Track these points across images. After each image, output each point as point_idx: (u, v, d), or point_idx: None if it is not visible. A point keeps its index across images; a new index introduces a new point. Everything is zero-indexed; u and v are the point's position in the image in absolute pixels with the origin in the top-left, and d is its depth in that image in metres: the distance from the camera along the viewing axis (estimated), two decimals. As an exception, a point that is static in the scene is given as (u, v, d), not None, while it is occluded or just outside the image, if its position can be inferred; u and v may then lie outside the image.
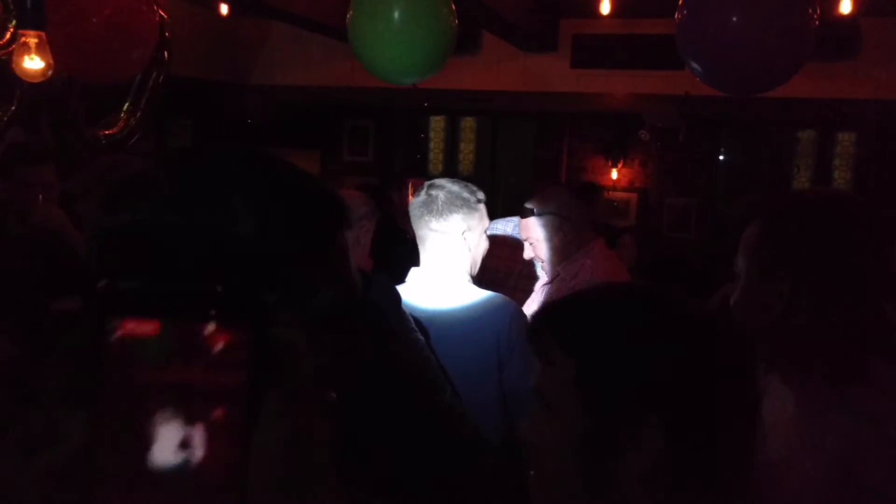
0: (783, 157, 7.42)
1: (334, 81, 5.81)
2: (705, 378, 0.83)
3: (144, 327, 0.65)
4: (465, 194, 2.15)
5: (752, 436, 0.87)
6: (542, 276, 2.74)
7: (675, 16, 2.60)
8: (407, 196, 4.59)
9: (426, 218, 2.12)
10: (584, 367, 0.84)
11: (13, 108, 3.85)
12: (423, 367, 1.85)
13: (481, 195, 2.21)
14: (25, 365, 2.45)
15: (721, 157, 7.63)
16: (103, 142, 4.28)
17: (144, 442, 0.61)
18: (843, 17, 3.76)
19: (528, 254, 2.69)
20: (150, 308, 0.64)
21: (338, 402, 0.81)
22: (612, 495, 0.83)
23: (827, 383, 1.19)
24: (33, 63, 2.95)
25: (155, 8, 3.20)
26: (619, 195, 7.32)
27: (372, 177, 7.38)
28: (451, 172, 7.97)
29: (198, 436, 0.62)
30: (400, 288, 2.07)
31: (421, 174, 7.02)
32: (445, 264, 2.14)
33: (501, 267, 2.93)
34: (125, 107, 4.36)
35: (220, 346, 0.64)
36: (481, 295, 2.11)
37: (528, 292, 2.82)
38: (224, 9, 5.08)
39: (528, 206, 2.65)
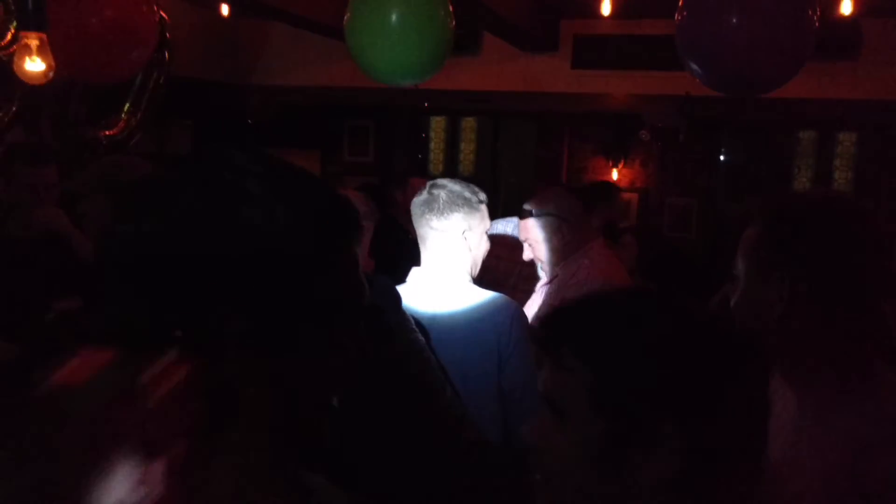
0: (784, 158, 7.42)
1: (334, 82, 5.81)
2: (724, 387, 0.82)
3: (77, 375, 0.66)
4: (467, 194, 2.15)
5: (766, 444, 0.87)
6: (543, 276, 2.74)
7: (675, 17, 2.60)
8: (410, 195, 4.59)
9: (427, 217, 2.12)
10: (600, 375, 0.83)
11: (14, 108, 3.86)
12: (423, 367, 1.85)
13: (483, 196, 2.21)
14: (26, 366, 2.45)
15: (722, 158, 7.63)
16: (104, 142, 4.29)
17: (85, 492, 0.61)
18: (844, 18, 3.75)
19: (527, 255, 2.69)
20: (108, 336, 0.66)
21: (339, 403, 0.81)
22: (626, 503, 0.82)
23: (828, 384, 1.19)
24: (34, 65, 2.96)
25: (155, 8, 3.20)
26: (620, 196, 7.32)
27: (372, 177, 7.38)
28: (451, 173, 7.97)
29: (139, 486, 0.62)
30: (401, 288, 2.08)
31: (422, 174, 7.03)
32: (446, 264, 2.14)
33: (501, 267, 2.93)
34: (126, 107, 4.37)
35: (169, 385, 0.65)
36: (482, 295, 2.11)
37: (528, 292, 2.83)
38: (225, 9, 5.08)
39: (527, 207, 2.65)
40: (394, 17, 2.68)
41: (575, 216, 2.63)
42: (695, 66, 2.59)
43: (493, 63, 5.75)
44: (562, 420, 0.86)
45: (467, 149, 8.38)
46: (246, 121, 6.77)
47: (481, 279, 2.23)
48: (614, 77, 5.48)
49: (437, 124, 8.36)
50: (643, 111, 6.40)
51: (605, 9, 4.05)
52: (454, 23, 2.86)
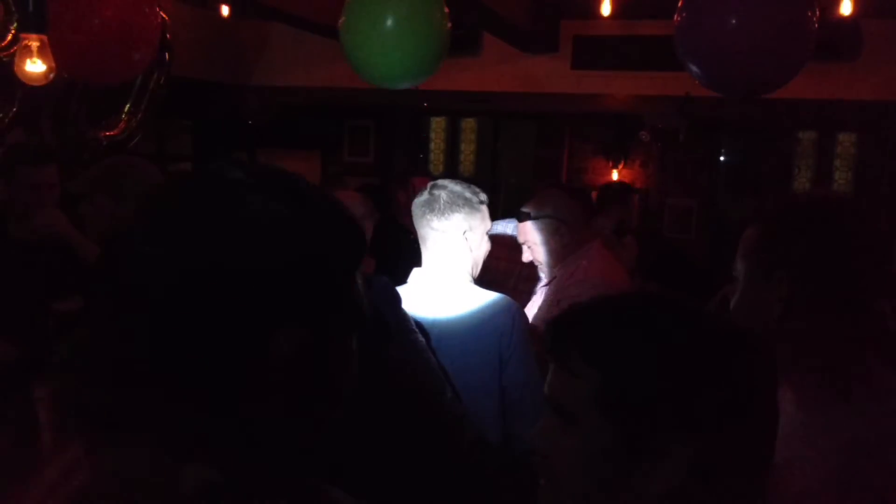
0: (784, 158, 7.42)
1: (335, 82, 5.81)
2: (734, 398, 0.82)
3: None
4: (468, 194, 2.16)
5: (772, 453, 0.86)
6: (543, 277, 2.74)
7: (674, 18, 2.60)
8: (412, 195, 4.59)
9: (428, 217, 2.13)
10: (610, 380, 0.82)
11: (14, 109, 3.86)
12: (423, 367, 1.85)
13: (483, 196, 2.22)
14: (27, 366, 2.46)
15: (722, 158, 7.63)
16: (104, 143, 4.29)
17: None
18: (844, 19, 3.75)
19: (526, 257, 2.69)
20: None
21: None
22: None
23: (827, 385, 1.19)
24: (35, 66, 2.96)
25: (157, 9, 3.19)
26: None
27: (372, 177, 7.38)
28: (451, 173, 7.98)
29: None
30: (402, 288, 2.09)
31: (423, 174, 7.03)
32: (446, 264, 2.14)
33: (501, 267, 2.94)
34: (126, 108, 4.37)
35: None
36: (483, 296, 2.11)
37: (528, 293, 2.83)
38: (225, 10, 5.08)
39: (525, 210, 2.65)
40: (389, 20, 2.67)
41: (573, 218, 2.63)
42: (694, 68, 2.59)
43: (494, 64, 5.75)
44: (568, 424, 0.85)
45: (467, 149, 8.39)
46: (246, 121, 6.77)
47: (482, 279, 2.23)
48: (614, 77, 5.48)
49: (438, 125, 8.37)
50: (643, 112, 6.39)
51: (605, 9, 4.06)
52: (450, 24, 2.85)
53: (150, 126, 4.84)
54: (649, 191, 7.48)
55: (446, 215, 2.12)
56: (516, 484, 1.90)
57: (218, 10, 5.08)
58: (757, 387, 0.84)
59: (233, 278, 0.71)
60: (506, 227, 3.00)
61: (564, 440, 0.85)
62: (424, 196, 2.17)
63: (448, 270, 2.15)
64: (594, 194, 7.06)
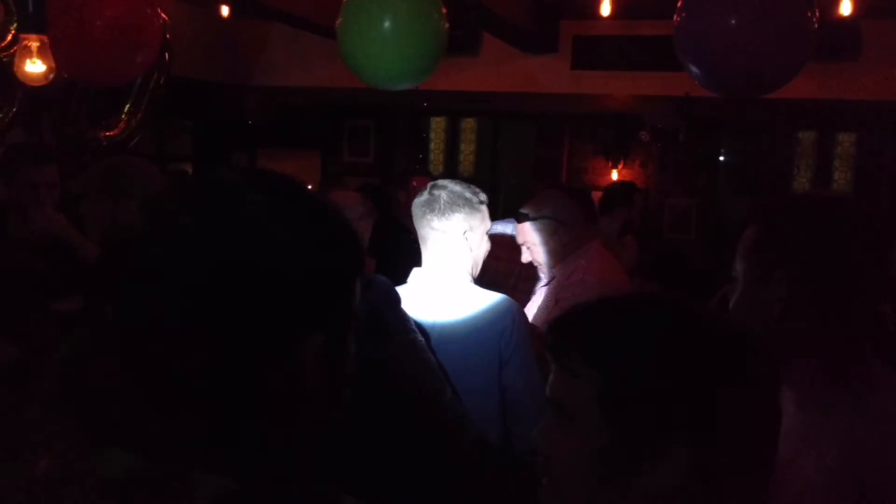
0: (783, 158, 7.42)
1: (334, 82, 5.81)
2: (735, 401, 0.82)
3: None
4: (468, 194, 2.16)
5: (774, 457, 0.86)
6: (543, 277, 2.74)
7: (674, 18, 2.60)
8: (413, 195, 4.59)
9: (428, 217, 2.13)
10: (610, 381, 0.82)
11: (14, 109, 3.86)
12: (423, 367, 1.85)
13: (483, 196, 2.22)
14: (27, 366, 2.46)
15: (721, 158, 7.64)
16: (104, 143, 4.29)
17: None
18: (843, 19, 3.76)
19: (525, 258, 2.70)
20: None
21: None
22: None
23: (827, 384, 1.20)
24: (35, 67, 2.97)
25: (158, 11, 3.19)
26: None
27: (372, 177, 7.38)
28: (451, 173, 7.98)
29: None
30: (402, 288, 2.09)
31: (423, 174, 7.04)
32: (447, 264, 2.14)
33: (501, 268, 2.93)
34: (126, 108, 4.37)
35: None
36: (483, 296, 2.11)
37: (528, 293, 2.83)
38: (225, 10, 5.08)
39: (523, 211, 2.65)
40: (386, 21, 2.65)
41: (571, 218, 2.63)
42: (693, 68, 2.59)
43: (493, 64, 5.75)
44: (568, 424, 0.86)
45: (467, 149, 8.39)
46: (246, 121, 6.77)
47: (481, 279, 2.23)
48: (614, 78, 5.48)
49: (437, 125, 8.37)
50: (643, 112, 6.41)
51: (605, 9, 4.06)
52: (448, 24, 2.85)
53: (150, 126, 4.84)
54: (649, 191, 7.48)
55: (447, 215, 2.12)
56: (516, 484, 1.90)
57: (218, 10, 5.08)
58: (757, 387, 0.84)
59: (268, 285, 0.72)
60: (505, 227, 3.00)
61: (565, 440, 0.86)
62: (424, 196, 2.17)
63: (448, 270, 2.15)
64: (599, 195, 7.10)
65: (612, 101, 5.89)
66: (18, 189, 2.71)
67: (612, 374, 0.82)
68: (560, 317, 0.91)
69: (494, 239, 2.38)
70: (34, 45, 2.94)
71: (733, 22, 2.42)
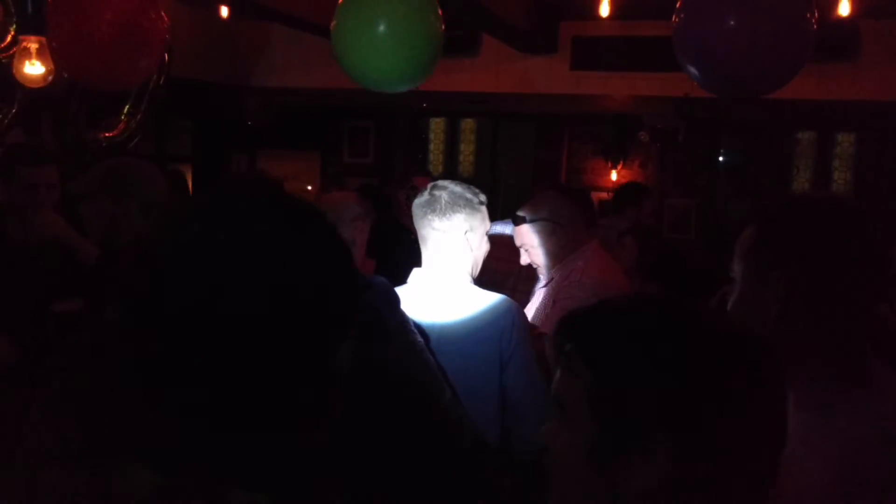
0: (783, 158, 7.43)
1: (334, 83, 5.80)
2: (721, 397, 0.82)
3: None
4: (469, 195, 2.17)
5: (776, 460, 0.86)
6: (542, 278, 2.75)
7: (672, 19, 2.60)
8: (413, 195, 4.59)
9: (429, 217, 2.13)
10: (598, 378, 0.84)
11: (14, 110, 3.86)
12: (422, 368, 1.86)
13: (483, 197, 2.23)
14: (27, 367, 2.46)
15: (721, 158, 7.64)
16: (104, 144, 4.29)
17: None
18: (842, 19, 3.76)
19: (524, 260, 2.70)
20: None
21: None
22: None
23: (826, 384, 1.20)
24: (34, 68, 2.97)
25: (162, 15, 3.20)
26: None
27: (372, 178, 7.38)
28: (451, 174, 7.98)
29: None
30: (402, 289, 2.09)
31: (423, 175, 7.04)
32: (447, 264, 2.15)
33: (501, 268, 2.94)
34: (126, 109, 4.37)
35: None
36: (483, 296, 2.11)
37: (527, 293, 2.83)
38: (224, 11, 5.08)
39: (520, 213, 2.65)
40: (381, 25, 2.63)
41: (569, 219, 2.63)
42: (692, 69, 2.59)
43: (493, 64, 5.75)
44: (566, 422, 0.88)
45: (467, 150, 8.39)
46: (246, 122, 6.77)
47: (481, 280, 2.24)
48: (613, 78, 5.49)
49: (437, 125, 8.37)
50: (642, 112, 6.41)
51: (604, 10, 4.07)
52: (444, 27, 2.83)
53: (150, 127, 4.84)
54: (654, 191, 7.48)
55: (448, 216, 2.13)
56: (516, 484, 1.90)
57: (218, 11, 5.08)
58: (752, 387, 0.84)
59: (302, 303, 0.74)
60: (504, 227, 3.00)
61: (563, 437, 0.88)
62: (425, 196, 2.17)
63: (448, 271, 2.15)
64: (599, 195, 7.08)
65: (611, 102, 5.89)
66: (18, 190, 2.71)
67: (602, 372, 0.84)
68: (563, 318, 0.92)
69: (494, 239, 2.38)
70: (33, 46, 2.94)
71: (732, 23, 2.42)
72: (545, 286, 2.70)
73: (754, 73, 2.50)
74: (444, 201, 2.13)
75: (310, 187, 7.53)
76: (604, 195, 7.29)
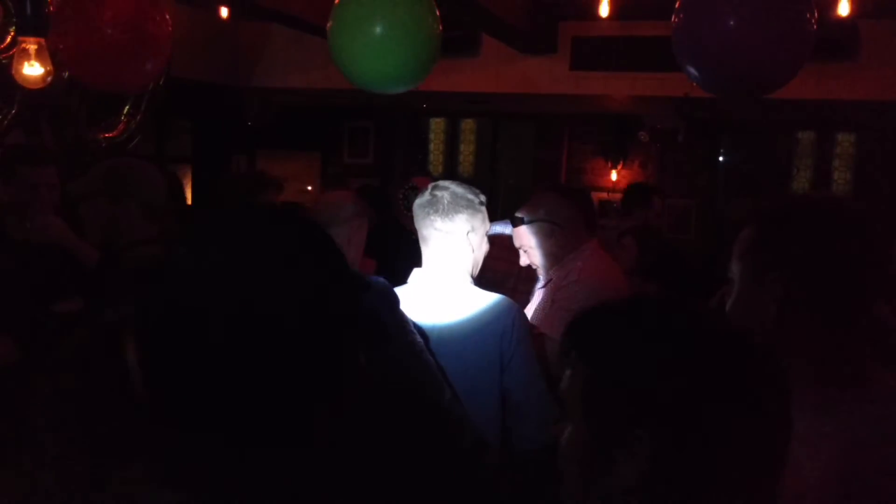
0: (783, 158, 7.42)
1: (334, 83, 5.80)
2: (712, 397, 0.82)
3: None
4: (470, 196, 2.17)
5: (778, 459, 0.86)
6: (541, 278, 2.74)
7: (672, 19, 2.60)
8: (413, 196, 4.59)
9: (432, 218, 2.13)
10: (590, 376, 0.87)
11: (14, 110, 3.86)
12: (422, 369, 1.86)
13: (483, 198, 2.23)
14: (27, 367, 2.46)
15: (721, 158, 7.63)
16: (104, 144, 4.29)
17: None
18: (842, 19, 3.76)
19: (523, 261, 2.69)
20: None
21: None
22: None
23: (825, 385, 1.20)
24: (33, 69, 2.97)
25: (167, 18, 3.21)
26: (619, 197, 7.34)
27: (372, 178, 7.38)
28: (451, 174, 7.98)
29: None
30: (402, 289, 2.09)
31: (423, 175, 7.04)
32: (448, 265, 2.15)
33: (501, 268, 2.94)
34: (125, 110, 4.37)
35: None
36: (484, 297, 2.12)
37: (527, 293, 2.83)
38: (224, 12, 5.09)
39: (518, 215, 2.65)
40: (378, 26, 2.61)
41: (567, 219, 2.63)
42: (691, 69, 2.59)
43: (492, 65, 5.75)
44: (567, 420, 0.90)
45: (467, 150, 8.39)
46: (246, 123, 6.77)
47: (481, 280, 2.24)
48: (613, 78, 5.49)
49: (437, 126, 8.37)
50: (642, 112, 6.41)
51: (604, 10, 4.07)
52: (441, 27, 2.83)
53: (150, 127, 4.84)
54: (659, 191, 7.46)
55: (450, 216, 2.13)
56: (516, 484, 1.90)
57: (217, 12, 5.08)
58: (745, 388, 0.84)
59: (318, 321, 0.77)
60: (504, 228, 3.00)
61: (565, 435, 0.90)
62: (426, 197, 2.17)
63: (449, 271, 2.15)
64: (599, 195, 7.07)
65: (611, 102, 5.89)
66: (19, 190, 2.71)
67: (593, 369, 0.87)
68: (571, 318, 0.95)
69: (493, 240, 2.38)
70: (32, 47, 2.94)
71: (731, 23, 2.42)
72: (544, 286, 2.70)
73: (754, 73, 2.50)
74: (446, 202, 2.13)
75: (310, 187, 7.53)
76: (604, 195, 7.30)
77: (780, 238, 1.23)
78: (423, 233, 2.18)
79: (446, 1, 2.89)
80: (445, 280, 2.14)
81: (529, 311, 2.65)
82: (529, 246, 2.64)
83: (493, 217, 2.37)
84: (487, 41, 5.60)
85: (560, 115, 7.32)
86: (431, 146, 8.43)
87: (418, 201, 2.19)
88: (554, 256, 2.62)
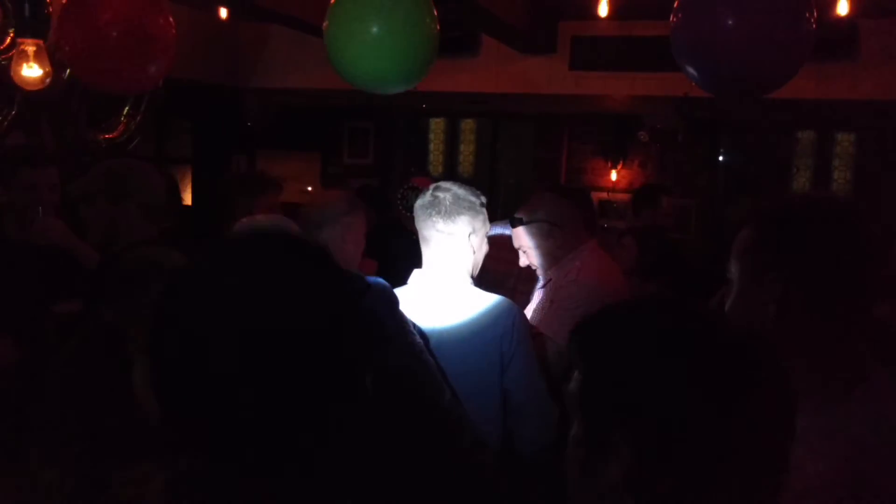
0: (783, 158, 7.42)
1: (334, 84, 5.79)
2: (691, 399, 0.82)
3: None
4: (472, 197, 2.17)
5: (779, 459, 0.86)
6: (541, 279, 2.74)
7: (670, 18, 2.59)
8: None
9: (434, 219, 2.13)
10: (585, 376, 0.89)
11: (14, 111, 3.86)
12: (421, 369, 1.86)
13: (484, 199, 2.23)
14: (27, 367, 2.46)
15: (720, 158, 7.62)
16: (104, 145, 4.29)
17: None
18: (841, 19, 3.76)
19: (523, 261, 2.69)
20: None
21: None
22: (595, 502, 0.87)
23: (824, 384, 1.20)
24: (31, 71, 2.97)
25: (171, 20, 3.21)
26: (619, 196, 7.33)
27: (372, 178, 7.38)
28: (451, 174, 7.98)
29: None
30: (402, 289, 2.09)
31: (423, 175, 7.03)
32: (449, 266, 2.15)
33: (501, 268, 2.94)
34: (125, 111, 4.37)
35: None
36: (483, 297, 2.12)
37: (527, 293, 2.83)
38: (223, 12, 5.08)
39: (517, 216, 2.65)
40: (374, 26, 2.60)
41: (566, 219, 2.63)
42: (690, 69, 2.58)
43: (492, 65, 5.75)
44: (572, 419, 0.93)
45: (467, 150, 8.39)
46: (245, 123, 6.77)
47: (481, 280, 2.24)
48: (613, 78, 5.49)
49: (437, 126, 8.37)
50: (642, 112, 6.39)
51: (603, 10, 4.07)
52: (439, 26, 2.82)
53: (150, 128, 4.84)
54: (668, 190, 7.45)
55: (452, 218, 2.13)
56: (516, 484, 1.90)
57: (217, 12, 5.08)
58: (743, 388, 0.84)
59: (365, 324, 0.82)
60: (504, 229, 3.00)
61: (571, 434, 0.92)
62: (428, 198, 2.17)
63: (449, 272, 2.15)
64: (599, 195, 7.04)
65: (610, 102, 5.89)
66: (19, 191, 2.71)
67: (587, 370, 0.89)
68: (579, 321, 0.96)
69: (493, 240, 2.38)
70: (31, 49, 2.94)
71: (730, 22, 2.41)
72: (543, 287, 2.70)
73: (753, 73, 2.50)
74: (448, 203, 2.14)
75: (310, 188, 7.52)
76: (604, 195, 7.29)
77: (779, 238, 1.23)
78: (424, 234, 2.18)
79: (446, 1, 2.89)
80: (446, 281, 2.14)
81: (529, 311, 2.65)
82: (528, 246, 2.64)
83: (493, 217, 2.37)
84: (487, 41, 5.60)
85: (560, 115, 7.31)
86: (431, 146, 8.42)
87: (420, 202, 2.19)
88: (553, 257, 2.62)
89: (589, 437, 0.87)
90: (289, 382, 0.77)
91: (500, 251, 2.80)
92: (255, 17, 5.70)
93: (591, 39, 5.46)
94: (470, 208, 2.16)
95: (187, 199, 7.16)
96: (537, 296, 2.73)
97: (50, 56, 3.13)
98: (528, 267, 2.74)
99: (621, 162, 7.44)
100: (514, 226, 2.66)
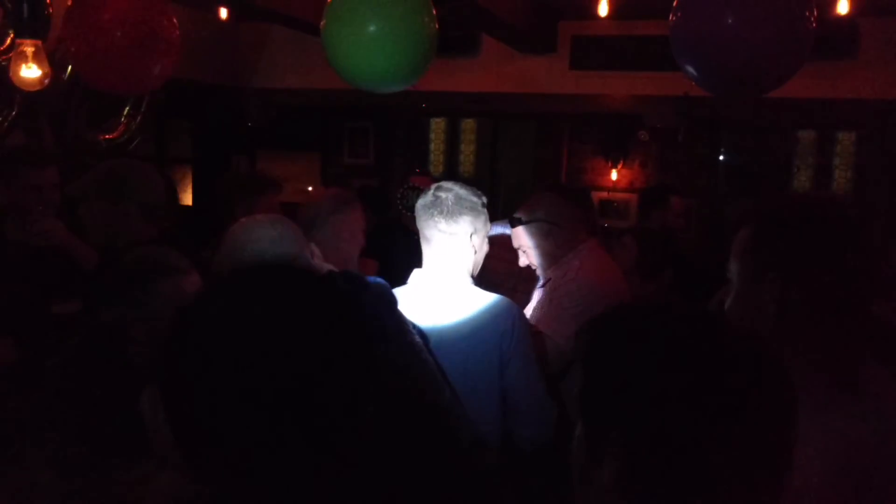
0: (783, 157, 7.41)
1: (334, 84, 5.79)
2: (685, 401, 0.82)
3: None
4: (473, 197, 2.18)
5: (780, 459, 0.86)
6: (540, 278, 2.74)
7: (670, 18, 2.59)
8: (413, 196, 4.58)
9: (436, 219, 2.13)
10: (586, 378, 0.89)
11: (14, 112, 3.86)
12: (421, 369, 1.86)
13: (485, 199, 2.23)
14: (27, 368, 2.46)
15: (721, 158, 7.62)
16: (104, 146, 4.29)
17: None
18: (841, 18, 3.76)
19: (523, 261, 2.69)
20: None
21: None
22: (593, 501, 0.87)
23: (823, 383, 1.20)
24: (30, 72, 2.96)
25: (175, 22, 3.21)
26: (619, 196, 7.33)
27: (372, 179, 7.38)
28: (451, 174, 7.99)
29: None
30: (402, 289, 2.09)
31: (424, 175, 7.04)
32: (450, 265, 2.15)
33: (501, 268, 2.93)
34: (125, 111, 4.37)
35: None
36: (484, 297, 2.12)
37: (527, 293, 2.83)
38: (224, 13, 5.09)
39: (516, 216, 2.65)
40: (371, 25, 2.59)
41: (565, 219, 2.63)
42: (690, 69, 2.58)
43: (492, 64, 5.75)
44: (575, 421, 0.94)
45: (467, 150, 8.39)
46: (246, 123, 6.77)
47: (481, 280, 2.24)
48: (613, 78, 5.49)
49: (437, 126, 8.37)
50: (642, 111, 6.39)
51: (603, 10, 4.07)
52: (437, 25, 2.81)
53: (150, 128, 4.84)
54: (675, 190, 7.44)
55: (454, 218, 2.13)
56: (516, 484, 1.90)
57: (217, 13, 5.08)
58: (740, 388, 0.84)
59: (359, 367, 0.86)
60: (504, 228, 3.00)
61: (573, 435, 0.93)
62: (429, 198, 2.17)
63: (450, 272, 2.15)
64: (599, 195, 7.04)
65: (611, 101, 5.89)
66: (20, 191, 2.71)
67: (586, 371, 0.90)
68: (583, 324, 0.97)
69: (493, 240, 2.38)
70: (29, 50, 2.93)
71: (730, 21, 2.41)
72: (543, 286, 2.70)
73: (753, 73, 2.50)
74: (450, 203, 2.14)
75: (310, 188, 7.52)
76: (604, 194, 7.30)
77: (779, 238, 1.23)
78: (426, 233, 2.18)
79: (446, 1, 2.88)
80: (446, 280, 2.14)
81: (529, 311, 2.65)
82: (528, 246, 2.64)
83: (493, 217, 2.37)
84: (487, 41, 5.60)
85: (560, 115, 7.31)
86: (432, 146, 8.43)
87: (421, 202, 2.19)
88: (552, 256, 2.62)
89: (587, 438, 0.87)
90: (300, 410, 0.80)
91: (501, 251, 2.80)
92: (255, 17, 5.70)
93: (591, 39, 5.46)
94: (472, 208, 2.16)
95: (187, 199, 7.16)
96: (537, 295, 2.72)
97: (50, 57, 3.13)
98: (528, 267, 2.74)
99: (622, 161, 7.44)
100: (513, 225, 2.66)
